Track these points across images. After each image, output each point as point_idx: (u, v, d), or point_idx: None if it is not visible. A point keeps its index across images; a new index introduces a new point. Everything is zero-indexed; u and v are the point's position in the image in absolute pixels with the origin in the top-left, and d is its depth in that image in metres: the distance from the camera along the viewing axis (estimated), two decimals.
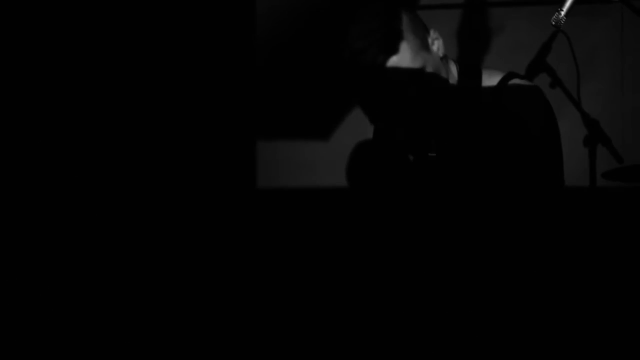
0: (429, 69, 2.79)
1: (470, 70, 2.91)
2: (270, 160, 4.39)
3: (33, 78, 4.22)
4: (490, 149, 2.77)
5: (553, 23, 2.72)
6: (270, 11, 4.44)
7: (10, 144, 4.19)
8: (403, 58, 2.76)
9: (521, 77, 2.90)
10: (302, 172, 4.38)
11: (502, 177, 2.74)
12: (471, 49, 4.22)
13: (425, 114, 2.81)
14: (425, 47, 2.81)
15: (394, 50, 2.76)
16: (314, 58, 4.37)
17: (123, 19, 4.32)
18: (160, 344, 4.20)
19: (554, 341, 2.76)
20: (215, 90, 4.37)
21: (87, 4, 4.27)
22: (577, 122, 3.70)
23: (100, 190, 4.26)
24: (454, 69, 2.91)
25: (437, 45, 2.86)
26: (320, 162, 4.36)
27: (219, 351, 4.22)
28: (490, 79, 2.88)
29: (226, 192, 4.34)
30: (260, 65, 4.43)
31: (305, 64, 4.41)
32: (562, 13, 2.70)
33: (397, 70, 2.75)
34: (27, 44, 4.21)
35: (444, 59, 2.87)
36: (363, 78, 2.77)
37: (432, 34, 2.86)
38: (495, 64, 4.19)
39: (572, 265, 2.84)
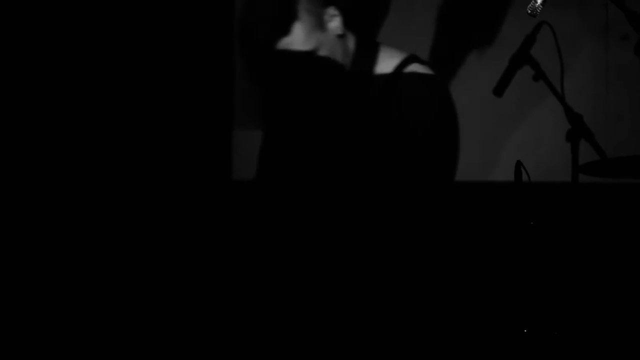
0: (322, 52, 2.69)
1: (368, 47, 2.78)
2: (247, 150, 4.31)
3: (16, 77, 4.19)
4: (379, 141, 2.65)
5: (529, 12, 2.66)
6: None
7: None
8: (295, 40, 2.66)
9: (422, 62, 2.77)
10: None
11: (390, 170, 2.62)
12: (451, 41, 4.16)
13: (313, 98, 2.71)
14: (319, 25, 2.70)
15: (286, 31, 2.66)
16: None
17: (102, 17, 4.28)
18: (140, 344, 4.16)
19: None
20: (191, 80, 4.30)
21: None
22: (560, 116, 3.61)
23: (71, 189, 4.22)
24: (351, 45, 2.78)
25: (334, 23, 2.74)
26: None
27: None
28: (387, 61, 2.75)
29: (201, 184, 4.27)
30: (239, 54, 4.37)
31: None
32: (539, 1, 2.64)
33: (287, 52, 2.64)
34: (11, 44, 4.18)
35: (342, 36, 2.75)
36: (253, 55, 2.69)
37: (331, 10, 2.74)
38: (478, 56, 4.12)
39: (550, 263, 2.77)
